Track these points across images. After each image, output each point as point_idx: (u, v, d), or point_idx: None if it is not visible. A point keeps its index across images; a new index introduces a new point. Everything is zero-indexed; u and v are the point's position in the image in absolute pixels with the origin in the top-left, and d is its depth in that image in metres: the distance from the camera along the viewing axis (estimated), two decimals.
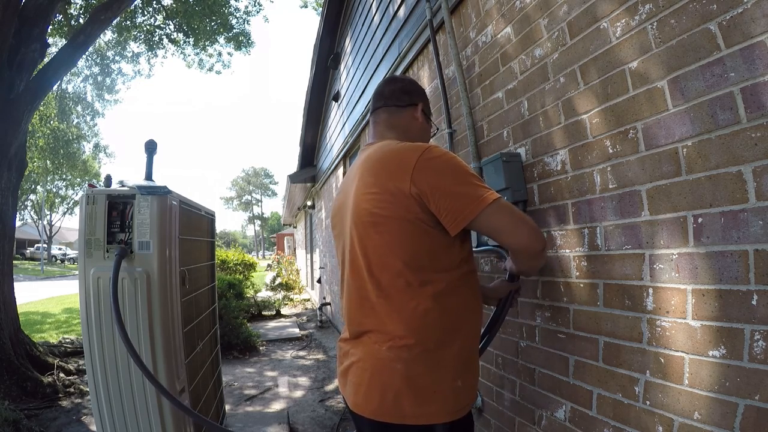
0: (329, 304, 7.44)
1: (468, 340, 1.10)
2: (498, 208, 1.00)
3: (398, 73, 3.10)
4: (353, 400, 1.08)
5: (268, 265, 24.57)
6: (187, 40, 8.57)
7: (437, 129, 1.34)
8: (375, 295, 1.06)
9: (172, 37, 8.51)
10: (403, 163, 1.02)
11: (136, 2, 7.00)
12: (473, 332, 1.13)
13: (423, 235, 1.03)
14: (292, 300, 10.87)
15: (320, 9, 6.55)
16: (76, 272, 2.10)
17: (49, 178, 22.71)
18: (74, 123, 13.08)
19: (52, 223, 31.95)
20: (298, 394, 3.87)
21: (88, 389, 3.41)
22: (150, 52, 8.93)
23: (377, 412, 1.01)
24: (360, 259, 1.08)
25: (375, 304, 1.06)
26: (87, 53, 8.06)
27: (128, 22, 8.04)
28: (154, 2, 7.86)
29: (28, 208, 28.49)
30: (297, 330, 6.90)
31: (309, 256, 11.45)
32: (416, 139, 1.22)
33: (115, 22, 6.66)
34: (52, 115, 11.29)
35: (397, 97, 1.25)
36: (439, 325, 1.04)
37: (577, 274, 1.40)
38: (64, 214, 30.82)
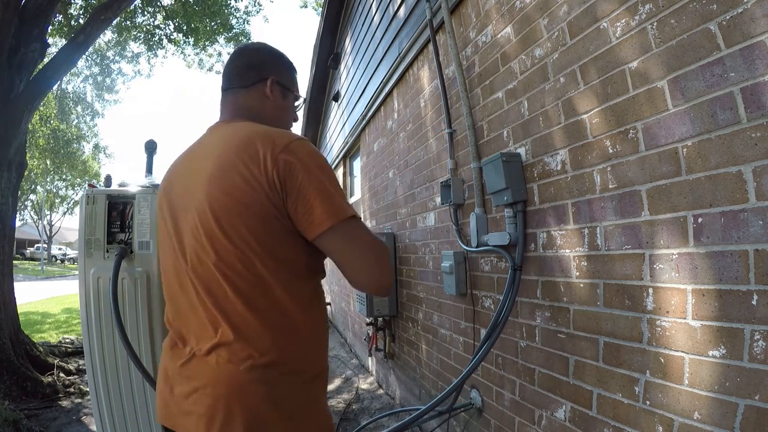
0: (329, 303, 7.44)
1: None
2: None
3: (398, 73, 3.09)
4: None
5: None
6: (187, 40, 8.58)
7: (304, 100, 1.05)
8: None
9: (172, 37, 8.52)
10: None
11: (136, 2, 7.00)
12: None
13: None
14: None
15: (320, 9, 6.55)
16: (76, 272, 2.10)
17: (49, 178, 22.70)
18: (74, 123, 13.09)
19: (52, 223, 31.94)
20: None
21: (88, 389, 3.41)
22: (150, 52, 8.96)
23: None
24: None
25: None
26: (87, 53, 8.06)
27: (128, 22, 8.05)
28: (154, 2, 7.86)
29: (28, 208, 28.47)
30: None
31: None
32: (271, 120, 1.02)
33: (115, 22, 6.66)
34: (52, 115, 11.30)
35: (243, 75, 1.02)
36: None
37: (577, 274, 1.40)
38: (64, 214, 30.81)
